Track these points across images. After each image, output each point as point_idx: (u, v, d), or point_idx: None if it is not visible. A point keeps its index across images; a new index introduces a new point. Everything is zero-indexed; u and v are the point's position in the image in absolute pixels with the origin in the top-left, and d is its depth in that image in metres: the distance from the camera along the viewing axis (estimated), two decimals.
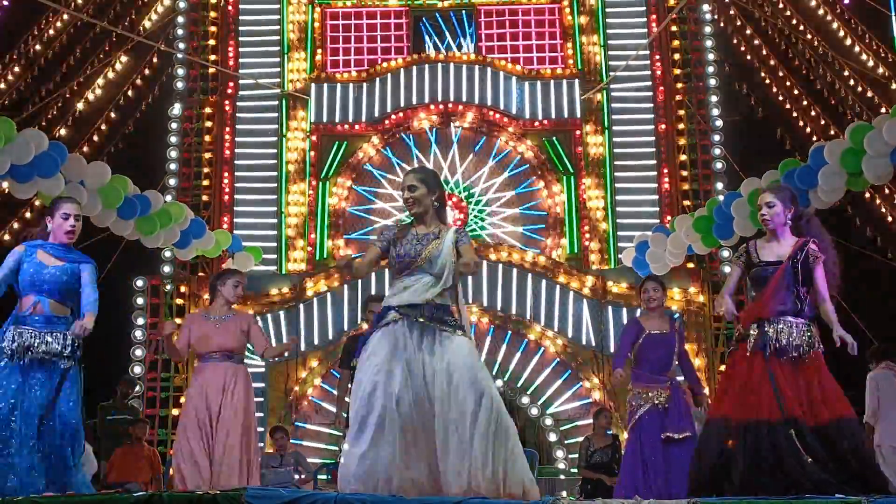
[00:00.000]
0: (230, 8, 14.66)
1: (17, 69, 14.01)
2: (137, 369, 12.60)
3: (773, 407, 5.16)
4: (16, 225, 13.45)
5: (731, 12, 15.01)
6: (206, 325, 6.90)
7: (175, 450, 6.90)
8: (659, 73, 14.25)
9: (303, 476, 10.28)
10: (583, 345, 12.56)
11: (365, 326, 8.29)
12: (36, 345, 5.30)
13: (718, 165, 13.62)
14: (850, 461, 5.09)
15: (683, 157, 14.05)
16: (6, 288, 5.46)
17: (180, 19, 14.40)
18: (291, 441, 11.23)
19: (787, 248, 5.43)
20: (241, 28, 14.63)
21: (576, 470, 10.56)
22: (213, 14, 14.68)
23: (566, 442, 12.18)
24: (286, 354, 10.67)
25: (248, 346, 7.09)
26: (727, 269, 13.00)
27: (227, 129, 14.14)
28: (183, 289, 13.21)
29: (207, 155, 14.12)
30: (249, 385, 6.92)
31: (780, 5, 14.82)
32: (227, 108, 14.22)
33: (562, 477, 11.81)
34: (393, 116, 14.01)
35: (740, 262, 5.51)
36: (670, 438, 6.87)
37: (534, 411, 12.30)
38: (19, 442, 5.15)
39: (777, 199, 5.48)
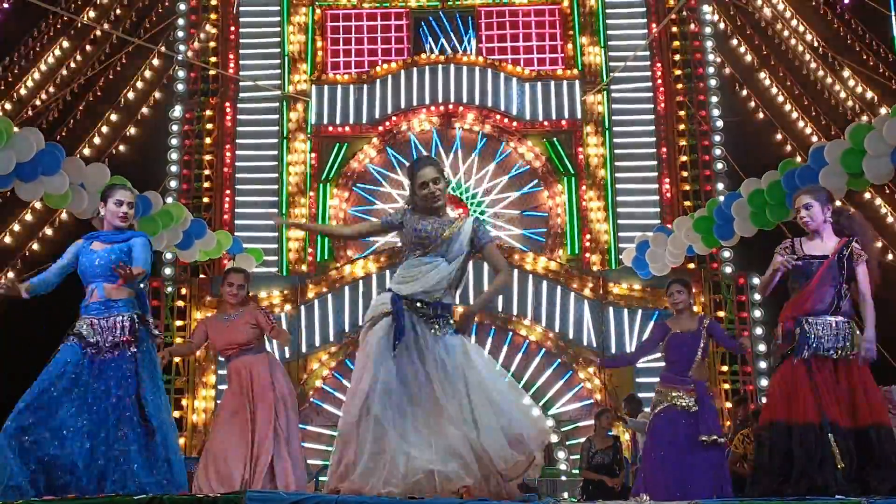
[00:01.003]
0: (231, 10, 14.66)
1: (17, 71, 14.03)
2: None
3: (813, 410, 5.21)
4: (17, 227, 13.49)
5: (731, 13, 15.01)
6: (219, 325, 7.04)
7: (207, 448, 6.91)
8: (659, 74, 14.26)
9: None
10: (584, 346, 12.56)
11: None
12: (98, 334, 5.24)
13: (719, 166, 13.63)
14: (886, 466, 5.14)
15: (684, 158, 14.05)
16: (58, 280, 5.40)
17: (181, 21, 14.41)
18: None
19: (832, 244, 5.46)
20: (241, 30, 14.63)
21: (577, 471, 10.56)
22: (213, 16, 14.69)
23: (567, 443, 12.19)
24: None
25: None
26: (728, 270, 13.04)
27: (228, 130, 14.15)
28: (184, 291, 13.21)
29: (208, 157, 14.13)
30: (278, 368, 7.00)
31: (780, 6, 14.82)
32: (227, 110, 14.23)
33: (563, 478, 11.80)
34: (394, 118, 14.02)
35: (785, 254, 5.47)
36: (714, 441, 6.87)
37: (535, 412, 12.30)
38: (72, 431, 5.04)
39: (814, 199, 5.50)
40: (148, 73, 14.68)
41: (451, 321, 4.86)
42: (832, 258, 5.38)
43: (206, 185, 14.04)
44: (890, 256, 13.54)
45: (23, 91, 14.00)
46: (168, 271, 13.06)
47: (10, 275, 13.37)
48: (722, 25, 15.02)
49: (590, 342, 12.57)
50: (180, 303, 13.20)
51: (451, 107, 13.97)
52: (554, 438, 12.25)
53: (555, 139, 14.01)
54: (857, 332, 5.38)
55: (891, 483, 5.06)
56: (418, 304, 4.78)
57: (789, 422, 5.25)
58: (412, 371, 4.69)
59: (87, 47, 14.36)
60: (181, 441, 12.65)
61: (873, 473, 5.11)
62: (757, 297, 12.75)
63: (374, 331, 4.81)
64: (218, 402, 11.62)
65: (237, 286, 7.07)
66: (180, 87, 14.16)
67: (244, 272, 7.34)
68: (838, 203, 6.50)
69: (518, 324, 12.60)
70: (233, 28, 14.62)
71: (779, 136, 14.43)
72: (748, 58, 15.02)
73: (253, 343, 6.98)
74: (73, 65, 14.30)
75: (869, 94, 14.36)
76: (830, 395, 5.24)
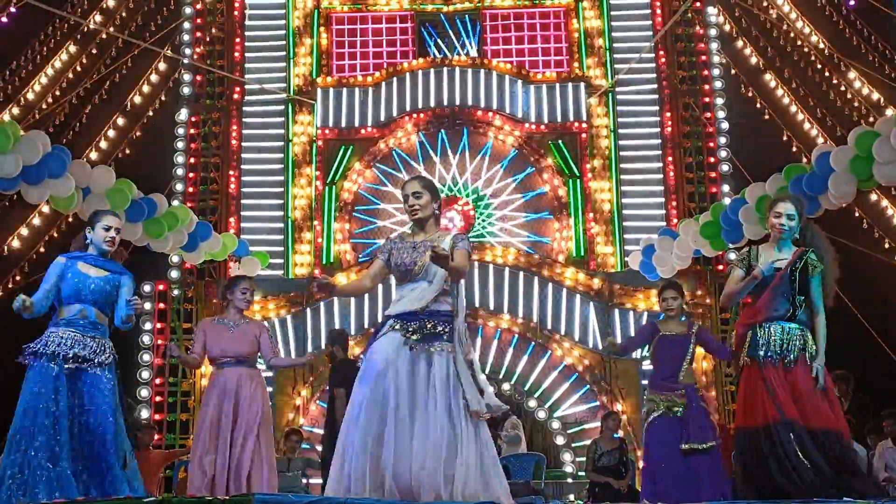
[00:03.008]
0: (236, 13, 14.69)
1: (23, 75, 14.07)
2: (145, 374, 12.62)
3: (770, 411, 5.29)
4: (24, 231, 13.54)
5: (737, 14, 15.01)
6: (221, 331, 7.03)
7: (191, 455, 7.01)
8: (664, 75, 14.25)
9: (311, 480, 10.31)
10: (589, 348, 12.56)
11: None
12: (80, 347, 5.51)
13: (724, 168, 13.61)
14: (840, 469, 5.22)
15: (689, 160, 14.06)
16: (51, 301, 5.62)
17: (186, 25, 14.44)
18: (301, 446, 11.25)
19: (788, 255, 5.56)
20: (247, 33, 14.65)
21: (583, 473, 10.57)
22: (219, 19, 14.73)
23: (573, 445, 12.18)
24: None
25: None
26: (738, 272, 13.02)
27: (234, 134, 14.18)
28: (190, 293, 13.24)
29: (214, 160, 14.17)
30: (264, 388, 7.09)
31: (786, 7, 14.82)
32: (233, 113, 14.26)
33: (569, 480, 11.82)
34: (399, 120, 14.03)
35: (743, 266, 5.62)
36: (693, 449, 6.86)
37: (541, 414, 12.30)
38: (61, 448, 5.29)
39: (796, 211, 5.60)
40: (154, 77, 14.72)
41: (445, 336, 4.88)
42: (785, 270, 5.48)
43: (212, 188, 14.08)
44: None
45: (30, 95, 14.05)
46: (174, 274, 13.08)
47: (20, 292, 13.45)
48: (728, 27, 15.01)
49: (595, 344, 12.57)
50: (187, 305, 13.23)
51: (456, 109, 13.98)
52: (560, 441, 12.26)
53: (560, 141, 14.00)
54: (811, 342, 5.46)
55: (866, 490, 5.10)
56: (407, 319, 4.89)
57: (752, 426, 5.34)
58: (392, 390, 4.76)
59: (94, 51, 14.39)
60: (187, 443, 12.70)
61: (852, 480, 5.17)
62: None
63: (367, 357, 4.98)
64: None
65: (251, 292, 7.19)
66: (186, 90, 14.19)
67: (251, 278, 7.45)
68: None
69: (524, 326, 12.59)
70: (238, 31, 14.64)
71: (784, 138, 14.43)
72: (753, 59, 15.01)
73: (251, 357, 7.07)
74: (79, 68, 14.34)
75: (875, 96, 14.35)
76: (785, 394, 5.31)
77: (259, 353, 7.13)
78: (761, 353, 5.40)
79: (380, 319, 12.39)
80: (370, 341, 5.04)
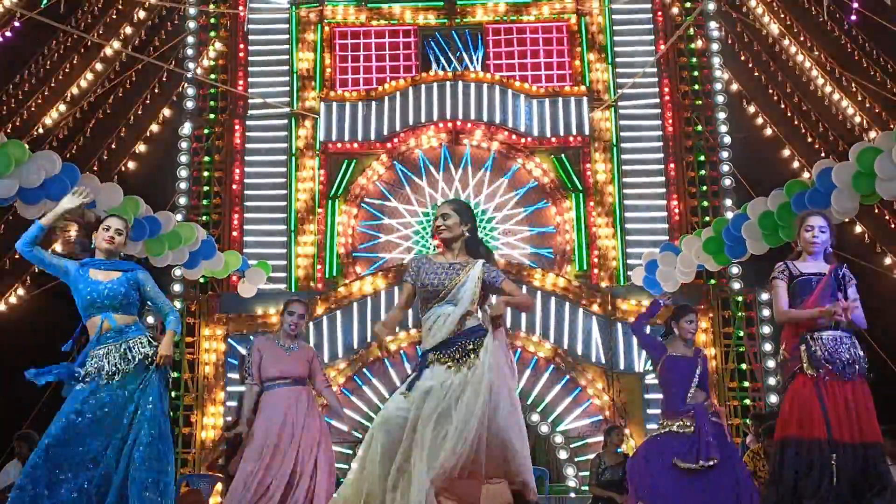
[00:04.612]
0: (240, 28, 14.73)
1: (26, 88, 14.11)
2: None
3: (821, 428, 5.33)
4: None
5: (738, 29, 15.05)
6: (278, 352, 7.06)
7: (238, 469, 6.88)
8: (667, 90, 14.29)
9: None
10: (592, 362, 12.55)
11: None
12: (117, 359, 5.37)
13: (727, 182, 13.62)
14: (876, 485, 5.26)
15: (692, 175, 14.08)
16: (43, 255, 5.48)
17: (190, 39, 14.50)
18: None
19: (825, 265, 5.67)
20: (250, 48, 14.72)
21: (586, 488, 10.55)
22: (222, 33, 14.79)
23: (577, 459, 12.15)
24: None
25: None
26: (736, 286, 13.04)
27: (237, 148, 14.22)
28: (192, 307, 13.24)
29: (217, 174, 14.21)
30: (314, 398, 7.13)
31: (788, 21, 14.85)
32: (236, 127, 14.31)
33: (572, 495, 11.79)
34: (402, 134, 14.07)
35: (784, 277, 5.65)
36: (690, 469, 6.80)
37: (544, 429, 12.27)
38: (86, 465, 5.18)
39: (828, 225, 5.73)
40: (157, 91, 14.76)
41: (481, 339, 4.90)
42: (829, 276, 5.56)
43: (215, 202, 14.12)
44: (887, 261, 13.51)
45: (33, 108, 14.08)
46: (177, 287, 13.09)
47: (21, 292, 13.43)
48: (729, 41, 15.04)
49: (598, 359, 12.57)
50: (189, 319, 13.22)
51: (458, 123, 14.01)
52: (563, 455, 12.23)
53: (563, 155, 14.04)
54: (861, 352, 5.53)
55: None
56: (443, 352, 4.91)
57: (800, 438, 5.35)
58: (423, 412, 4.79)
59: (98, 65, 14.42)
60: (189, 457, 12.68)
61: (874, 498, 5.19)
62: (767, 313, 12.74)
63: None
64: (227, 418, 11.69)
65: (298, 315, 7.11)
66: (189, 104, 14.23)
67: (305, 302, 7.39)
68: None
69: (527, 340, 12.59)
70: (242, 45, 14.70)
71: (786, 152, 14.43)
72: (755, 74, 15.04)
73: (304, 378, 7.09)
74: (83, 83, 14.37)
75: (876, 110, 14.36)
76: (837, 411, 5.35)
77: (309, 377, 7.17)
78: (818, 366, 5.42)
79: None
80: (414, 376, 4.96)
